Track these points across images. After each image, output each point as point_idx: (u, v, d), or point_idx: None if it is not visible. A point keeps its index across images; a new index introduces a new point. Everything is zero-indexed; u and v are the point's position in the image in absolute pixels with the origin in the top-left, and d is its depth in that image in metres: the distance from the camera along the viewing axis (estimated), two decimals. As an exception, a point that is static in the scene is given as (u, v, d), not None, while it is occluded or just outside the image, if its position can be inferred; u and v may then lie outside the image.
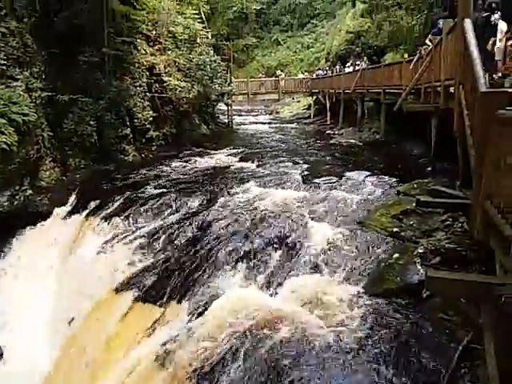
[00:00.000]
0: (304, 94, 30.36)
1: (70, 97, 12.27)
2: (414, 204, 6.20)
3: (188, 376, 4.60)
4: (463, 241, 5.54)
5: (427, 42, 11.08)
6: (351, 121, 20.06)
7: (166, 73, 17.13)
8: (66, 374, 6.54)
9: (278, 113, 33.87)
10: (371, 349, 4.28)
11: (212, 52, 20.34)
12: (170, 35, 18.66)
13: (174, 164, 13.48)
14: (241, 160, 13.86)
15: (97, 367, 6.02)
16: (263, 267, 6.26)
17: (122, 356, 5.73)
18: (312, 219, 7.52)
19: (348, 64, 22.85)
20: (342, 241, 6.56)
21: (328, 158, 13.67)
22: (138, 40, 15.90)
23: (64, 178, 11.78)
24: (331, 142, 17.46)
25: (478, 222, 3.85)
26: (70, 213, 10.07)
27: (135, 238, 7.99)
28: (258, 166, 12.49)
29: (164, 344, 5.23)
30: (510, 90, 6.30)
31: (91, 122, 12.67)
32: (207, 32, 22.58)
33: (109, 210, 9.46)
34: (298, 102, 33.91)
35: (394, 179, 9.45)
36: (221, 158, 14.63)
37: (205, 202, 9.17)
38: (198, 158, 14.37)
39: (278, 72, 36.36)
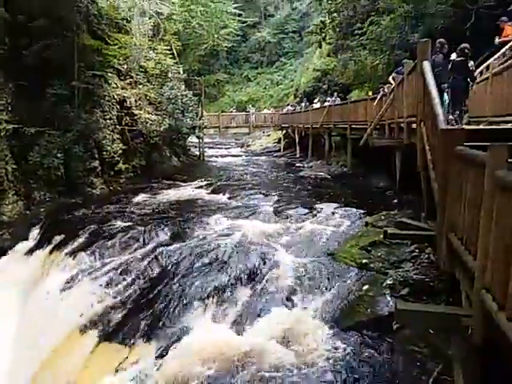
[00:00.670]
0: (274, 128, 31.06)
1: (37, 129, 12.07)
2: (381, 235, 6.33)
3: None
4: (430, 272, 5.66)
5: (390, 79, 11.67)
6: (320, 154, 20.57)
7: (136, 106, 17.20)
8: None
9: (249, 146, 34.35)
10: (344, 384, 4.22)
11: (183, 87, 20.66)
12: (141, 70, 18.88)
13: (142, 197, 13.29)
14: (212, 192, 13.83)
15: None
16: (233, 302, 6.14)
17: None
18: (283, 252, 7.52)
19: (315, 100, 23.65)
20: (313, 273, 6.56)
21: (298, 190, 13.86)
22: (109, 74, 15.96)
23: (28, 211, 11.39)
24: (301, 174, 17.75)
25: (443, 253, 3.95)
26: (33, 248, 9.65)
27: (102, 274, 7.70)
28: (229, 198, 12.49)
29: (130, 386, 4.97)
30: (467, 126, 6.70)
31: (58, 155, 12.44)
32: (179, 67, 23.00)
33: (74, 245, 9.12)
34: (269, 135, 34.59)
35: (362, 211, 9.64)
36: (191, 190, 14.54)
37: (174, 235, 9.01)
38: (167, 191, 14.24)
39: (250, 107, 37.18)
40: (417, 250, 6.42)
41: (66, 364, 6.23)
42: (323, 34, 19.02)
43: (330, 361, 4.58)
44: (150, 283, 7.12)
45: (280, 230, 8.79)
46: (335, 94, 20.52)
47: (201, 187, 14.96)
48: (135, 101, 17.29)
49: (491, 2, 10.89)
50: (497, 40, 9.31)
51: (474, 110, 8.19)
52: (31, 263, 9.12)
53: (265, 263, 7.04)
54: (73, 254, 8.70)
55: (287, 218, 9.67)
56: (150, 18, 20.15)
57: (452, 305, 4.37)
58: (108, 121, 15.19)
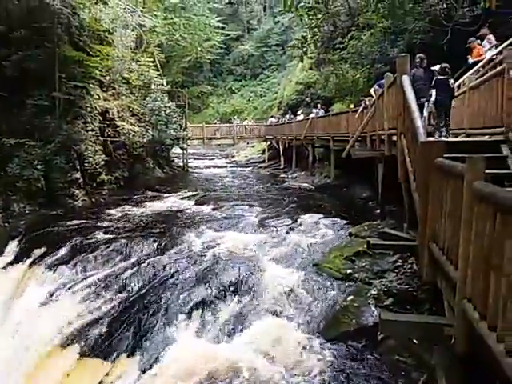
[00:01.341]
0: (258, 140, 31.23)
1: (17, 140, 11.87)
2: (365, 246, 6.39)
3: None
4: (413, 281, 5.74)
5: (372, 92, 11.88)
6: (304, 165, 20.74)
7: (119, 117, 17.08)
8: None
9: (233, 157, 34.41)
10: (330, 396, 4.21)
11: (167, 98, 20.63)
12: (124, 81, 18.80)
13: (125, 208, 13.13)
14: (196, 203, 13.76)
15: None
16: (218, 315, 6.09)
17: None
18: (268, 263, 7.51)
19: (299, 112, 23.91)
20: (298, 284, 6.57)
21: (283, 201, 13.91)
22: (91, 85, 15.84)
23: (7, 224, 11.11)
24: (285, 185, 17.85)
25: (425, 263, 4.00)
26: (12, 262, 9.39)
27: (83, 288, 7.53)
28: (213, 210, 12.44)
29: (112, 403, 4.86)
30: (446, 139, 6.88)
31: (38, 166, 12.22)
32: (162, 79, 22.99)
33: (54, 258, 8.91)
34: (253, 146, 34.75)
35: (346, 221, 9.73)
36: (175, 201, 14.45)
37: (157, 247, 8.91)
38: (151, 202, 14.12)
39: (235, 118, 37.35)
40: (400, 260, 6.50)
41: (46, 381, 6.04)
42: (304, 49, 19.31)
43: (317, 372, 4.56)
44: (133, 297, 7.00)
45: (264, 240, 8.79)
46: (318, 105, 20.79)
47: (185, 198, 14.88)
48: (118, 112, 17.18)
49: (466, 19, 11.26)
50: (470, 60, 9.62)
51: (452, 122, 8.40)
52: (9, 277, 8.86)
53: (249, 275, 7.02)
54: (53, 267, 8.49)
55: (272, 228, 9.69)
56: (132, 30, 20.14)
57: (435, 314, 4.43)
58: (90, 132, 15.03)
